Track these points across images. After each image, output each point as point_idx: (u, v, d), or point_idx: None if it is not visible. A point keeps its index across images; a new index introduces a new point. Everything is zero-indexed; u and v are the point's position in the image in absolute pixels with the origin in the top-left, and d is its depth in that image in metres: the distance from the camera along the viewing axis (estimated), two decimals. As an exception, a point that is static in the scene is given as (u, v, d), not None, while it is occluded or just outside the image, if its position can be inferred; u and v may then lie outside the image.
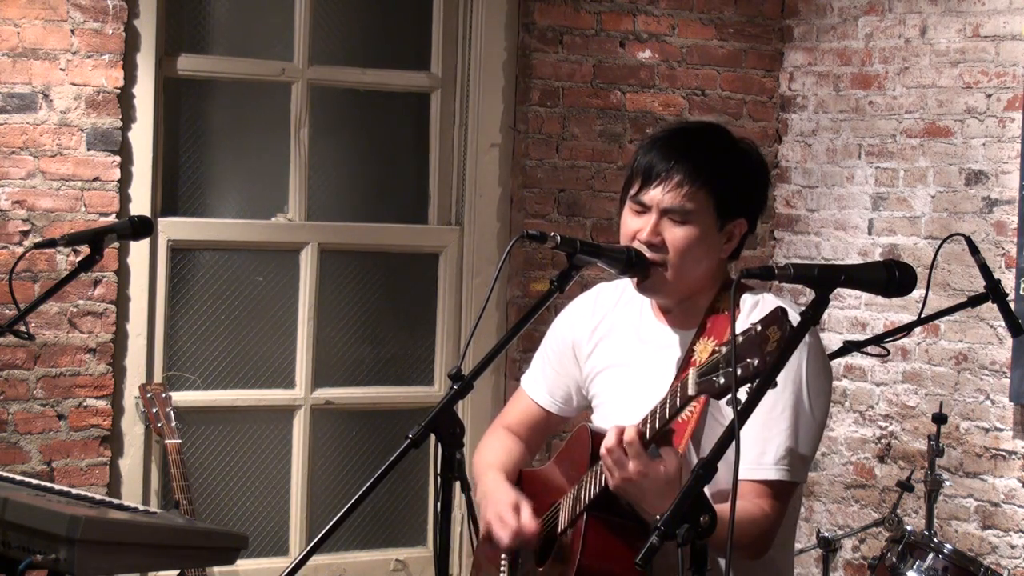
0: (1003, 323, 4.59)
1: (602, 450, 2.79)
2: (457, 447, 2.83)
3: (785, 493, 2.95)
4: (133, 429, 5.33)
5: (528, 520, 3.07)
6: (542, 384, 3.34)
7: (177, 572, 4.85)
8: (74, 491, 3.23)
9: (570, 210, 5.95)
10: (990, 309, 4.80)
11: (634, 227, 3.02)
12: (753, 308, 3.00)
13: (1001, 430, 5.52)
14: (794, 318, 2.81)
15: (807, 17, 6.22)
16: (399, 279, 5.92)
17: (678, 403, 2.73)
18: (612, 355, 3.18)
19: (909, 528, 4.60)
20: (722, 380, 2.59)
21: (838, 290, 2.74)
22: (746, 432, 2.79)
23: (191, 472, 5.39)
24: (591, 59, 5.95)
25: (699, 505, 2.52)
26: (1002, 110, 5.54)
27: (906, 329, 4.66)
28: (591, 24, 5.96)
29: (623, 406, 3.08)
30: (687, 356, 3.01)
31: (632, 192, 3.03)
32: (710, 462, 2.57)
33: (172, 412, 5.18)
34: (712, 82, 6.18)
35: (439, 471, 2.81)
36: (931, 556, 4.52)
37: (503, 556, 3.21)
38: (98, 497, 3.23)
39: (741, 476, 2.81)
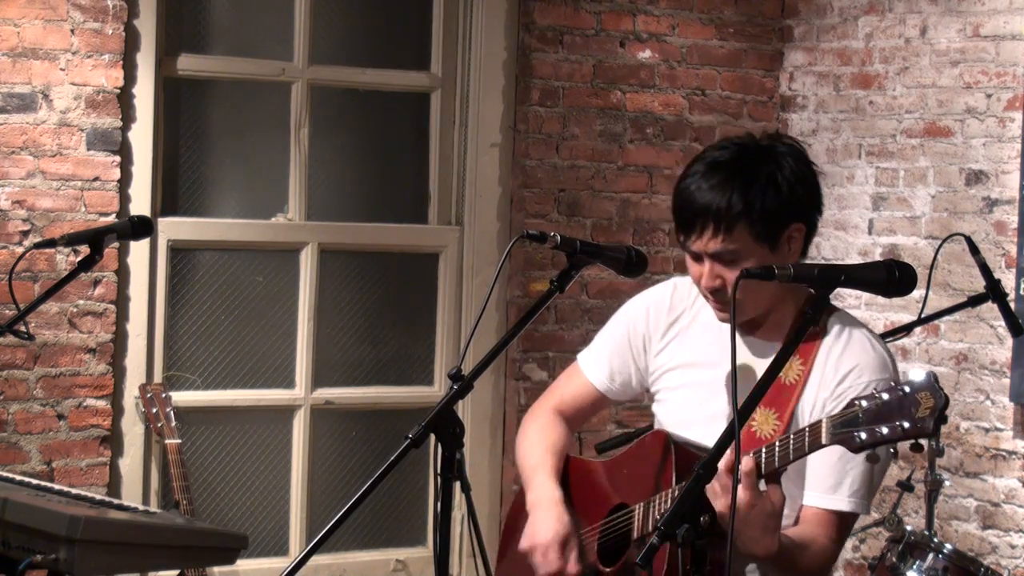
0: (1003, 323, 4.59)
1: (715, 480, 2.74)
2: (457, 447, 2.83)
3: (851, 524, 2.99)
4: (133, 429, 5.33)
5: (573, 565, 3.07)
6: (604, 367, 3.31)
7: (177, 572, 4.84)
8: (74, 491, 3.23)
9: (570, 210, 5.95)
10: (990, 309, 4.81)
11: (695, 274, 3.02)
12: (838, 337, 2.99)
13: (1001, 430, 5.52)
14: (863, 338, 2.91)
15: (807, 17, 6.22)
16: (399, 279, 5.92)
17: (806, 448, 2.70)
18: (687, 353, 3.17)
19: (909, 528, 4.60)
20: (863, 435, 2.59)
21: (838, 290, 2.74)
22: (823, 458, 2.86)
23: (191, 472, 5.39)
24: (591, 59, 5.95)
25: (699, 505, 2.52)
26: (1002, 110, 5.54)
27: (906, 329, 4.66)
28: (591, 24, 5.95)
29: (691, 407, 3.10)
30: (775, 364, 3.00)
31: (681, 240, 3.02)
32: (710, 462, 2.57)
33: (172, 412, 5.17)
34: (712, 82, 6.18)
35: (439, 471, 2.81)
36: (931, 556, 4.52)
37: None
38: (98, 497, 3.23)
39: (815, 503, 2.93)
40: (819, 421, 2.68)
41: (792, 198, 2.96)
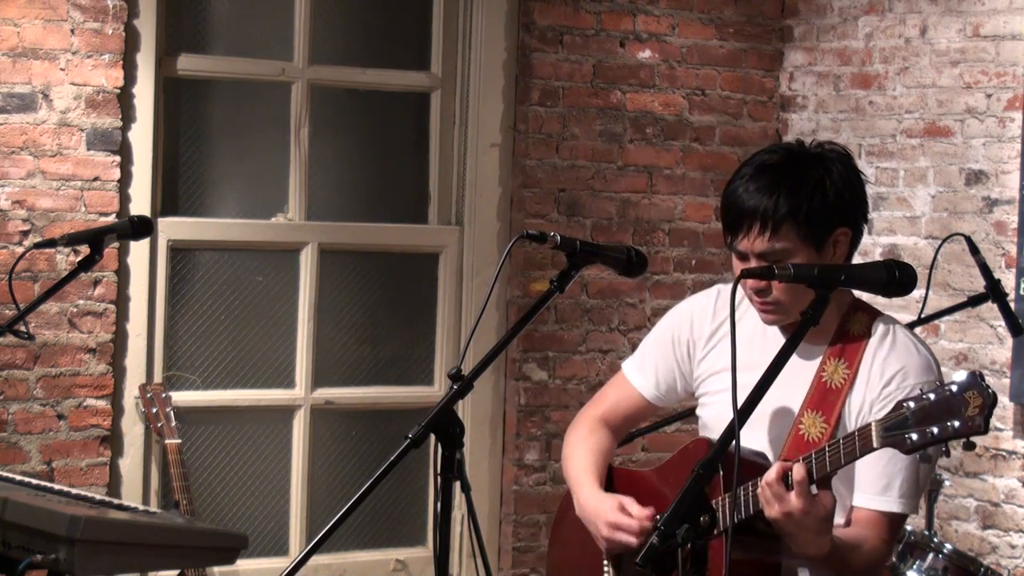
0: (1003, 323, 4.59)
1: (763, 482, 2.78)
2: (457, 447, 2.83)
3: (901, 524, 3.03)
4: (133, 429, 5.33)
5: (641, 510, 3.09)
6: (650, 375, 3.33)
7: (177, 572, 4.84)
8: (74, 491, 3.23)
9: (570, 210, 5.94)
10: (990, 309, 4.80)
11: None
12: (883, 340, 3.02)
13: (1001, 430, 5.52)
14: (908, 340, 2.95)
15: (807, 17, 6.22)
16: (399, 279, 5.92)
17: (857, 452, 2.74)
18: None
19: (909, 528, 4.60)
20: (915, 436, 2.63)
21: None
22: (873, 460, 2.90)
23: (191, 472, 5.39)
24: (591, 59, 5.95)
25: (699, 505, 2.52)
26: (1002, 110, 5.54)
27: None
28: (591, 24, 5.95)
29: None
30: (817, 377, 3.03)
31: (728, 241, 3.05)
32: (711, 462, 2.57)
33: (172, 412, 5.17)
34: (712, 82, 6.18)
35: (439, 471, 2.81)
36: (931, 556, 4.52)
37: (605, 562, 3.22)
38: (98, 497, 3.22)
39: (865, 504, 2.97)
40: (868, 425, 2.71)
41: (839, 203, 3.00)
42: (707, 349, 3.24)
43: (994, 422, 5.50)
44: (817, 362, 3.04)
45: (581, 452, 3.33)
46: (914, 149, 5.83)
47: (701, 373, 3.26)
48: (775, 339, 3.11)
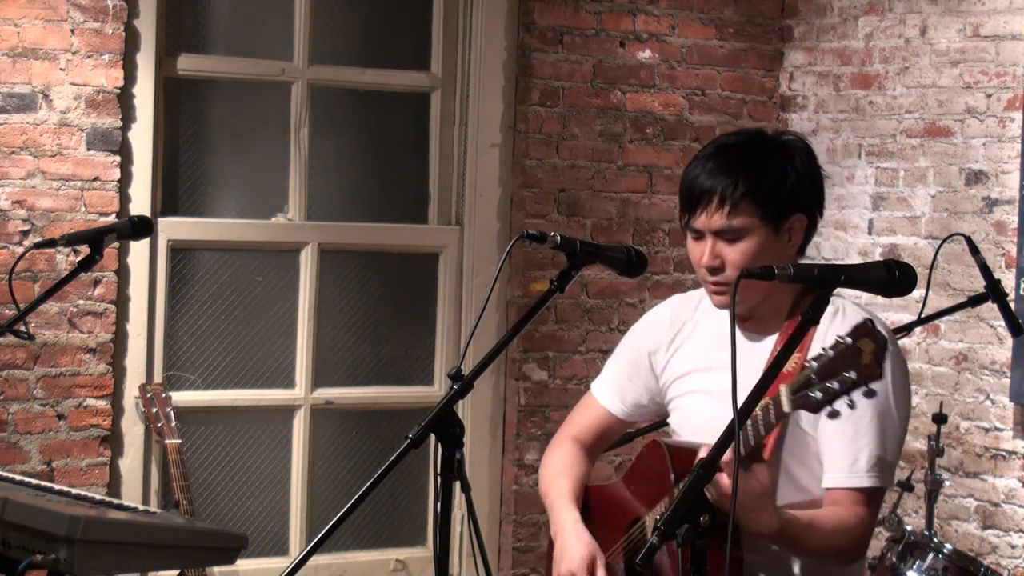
0: (1003, 323, 4.59)
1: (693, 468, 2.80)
2: (457, 447, 2.83)
3: (877, 499, 3.02)
4: (133, 429, 5.33)
5: None
6: (615, 392, 3.36)
7: (177, 572, 4.84)
8: (74, 491, 3.23)
9: (570, 210, 5.95)
10: (990, 309, 4.80)
11: (695, 254, 3.07)
12: (834, 317, 3.03)
13: (1001, 430, 5.51)
14: (855, 312, 2.93)
15: (807, 17, 6.22)
16: (399, 279, 5.92)
17: (772, 419, 2.76)
18: (692, 360, 3.21)
19: (909, 528, 4.60)
20: (819, 394, 2.62)
21: (838, 290, 2.75)
22: (837, 440, 2.92)
23: (191, 472, 5.39)
24: (591, 59, 5.95)
25: (699, 505, 2.52)
26: (1002, 110, 5.54)
27: (906, 329, 4.67)
28: (591, 24, 5.95)
29: (703, 411, 3.13)
30: (774, 364, 3.04)
31: (684, 221, 3.07)
32: (711, 462, 2.57)
33: (172, 412, 5.17)
34: (712, 82, 6.18)
35: (439, 471, 2.81)
36: (931, 556, 4.52)
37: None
38: (98, 497, 3.22)
39: (836, 484, 2.96)
40: (778, 391, 2.72)
41: (799, 188, 3.03)
42: (668, 356, 3.26)
43: (994, 422, 5.50)
44: (770, 349, 3.05)
45: (559, 476, 3.34)
46: (914, 149, 5.83)
47: (667, 380, 3.27)
48: (738, 339, 3.11)
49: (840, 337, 2.61)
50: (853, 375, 2.58)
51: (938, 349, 5.71)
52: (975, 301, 4.61)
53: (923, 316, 4.58)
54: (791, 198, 3.02)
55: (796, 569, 3.02)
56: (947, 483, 4.82)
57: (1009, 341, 5.40)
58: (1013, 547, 5.49)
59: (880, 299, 2.94)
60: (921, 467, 5.16)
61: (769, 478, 2.80)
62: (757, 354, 3.04)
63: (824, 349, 2.62)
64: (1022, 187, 5.43)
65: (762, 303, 3.06)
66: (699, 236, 3.04)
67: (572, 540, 3.17)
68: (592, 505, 3.29)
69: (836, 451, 2.96)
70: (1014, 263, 5.42)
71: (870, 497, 2.99)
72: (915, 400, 5.77)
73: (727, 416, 3.03)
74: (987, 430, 5.55)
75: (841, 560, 3.02)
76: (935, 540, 4.56)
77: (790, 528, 2.85)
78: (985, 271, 4.51)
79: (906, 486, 4.78)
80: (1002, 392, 5.49)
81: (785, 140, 3.08)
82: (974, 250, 4.53)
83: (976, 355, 5.59)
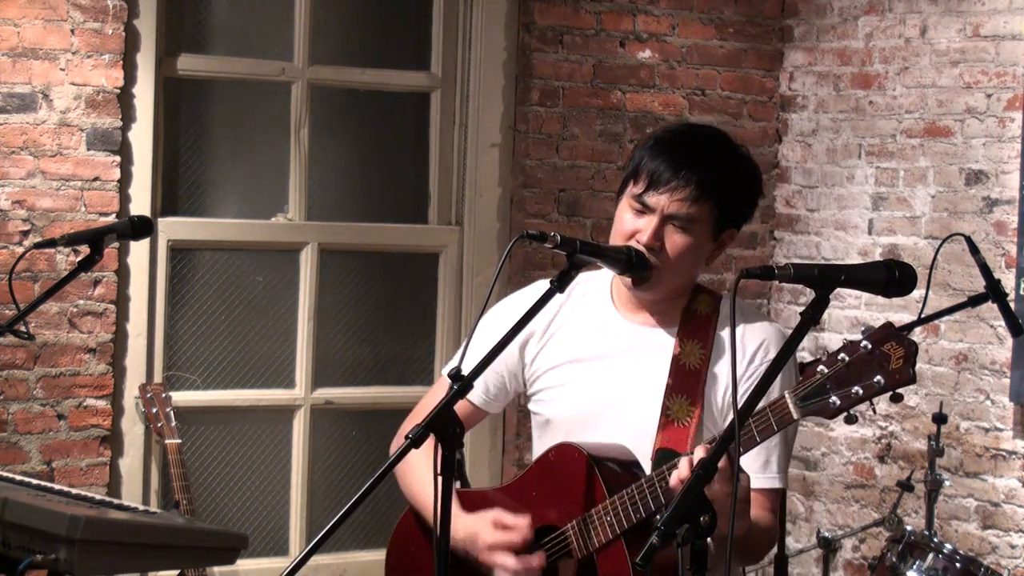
0: (1003, 323, 4.58)
1: (677, 476, 2.76)
2: (457, 447, 2.82)
3: (782, 499, 3.08)
4: (133, 429, 5.33)
5: (516, 519, 3.03)
6: (479, 380, 3.04)
7: (177, 572, 4.85)
8: (74, 491, 3.23)
9: (570, 210, 5.95)
10: (990, 309, 4.80)
11: (632, 226, 3.04)
12: (730, 317, 3.00)
13: (1001, 430, 5.52)
14: (756, 314, 2.97)
15: (807, 17, 6.22)
16: (399, 279, 5.92)
17: (775, 427, 2.74)
18: (571, 349, 3.16)
19: (909, 528, 4.60)
20: (837, 400, 2.62)
21: (838, 290, 2.75)
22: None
23: (191, 472, 5.39)
24: (591, 59, 5.95)
25: (699, 505, 2.52)
26: (1002, 110, 5.54)
27: (906, 329, 4.66)
28: (591, 24, 5.95)
29: (581, 402, 3.10)
30: (675, 360, 3.04)
31: (636, 191, 3.03)
32: (711, 462, 2.57)
33: (172, 412, 5.17)
34: (712, 82, 6.18)
35: (439, 471, 2.80)
36: (931, 556, 4.52)
37: None
38: (98, 497, 3.22)
39: (752, 485, 2.89)
40: (781, 398, 2.71)
41: (749, 207, 3.10)
42: (541, 344, 3.19)
43: (994, 422, 5.51)
44: (671, 345, 3.05)
45: (423, 470, 3.12)
46: (914, 149, 5.83)
47: (538, 368, 3.19)
48: (616, 330, 3.11)
49: (859, 343, 2.60)
50: (880, 380, 2.58)
51: (938, 349, 5.71)
52: (975, 301, 4.61)
53: (923, 316, 4.57)
54: (741, 213, 3.08)
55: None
56: (947, 483, 4.82)
57: (1009, 341, 5.40)
58: (1013, 547, 5.49)
59: (880, 299, 2.94)
60: (921, 467, 5.16)
61: (747, 482, 2.77)
62: (654, 347, 3.05)
63: (834, 355, 2.62)
64: (1022, 187, 5.43)
65: (669, 298, 3.08)
66: (643, 212, 3.02)
67: (465, 525, 3.05)
68: (470, 511, 3.12)
69: (749, 454, 2.91)
70: (1014, 263, 5.42)
71: (779, 498, 3.03)
72: (915, 400, 5.78)
73: (602, 409, 3.02)
74: (987, 430, 5.56)
75: (755, 562, 3.03)
76: (935, 540, 4.56)
77: (751, 530, 2.85)
78: (985, 271, 4.51)
79: (906, 486, 4.78)
80: (1002, 392, 5.50)
81: (745, 152, 3.12)
82: (974, 250, 4.53)
83: (976, 355, 5.59)
